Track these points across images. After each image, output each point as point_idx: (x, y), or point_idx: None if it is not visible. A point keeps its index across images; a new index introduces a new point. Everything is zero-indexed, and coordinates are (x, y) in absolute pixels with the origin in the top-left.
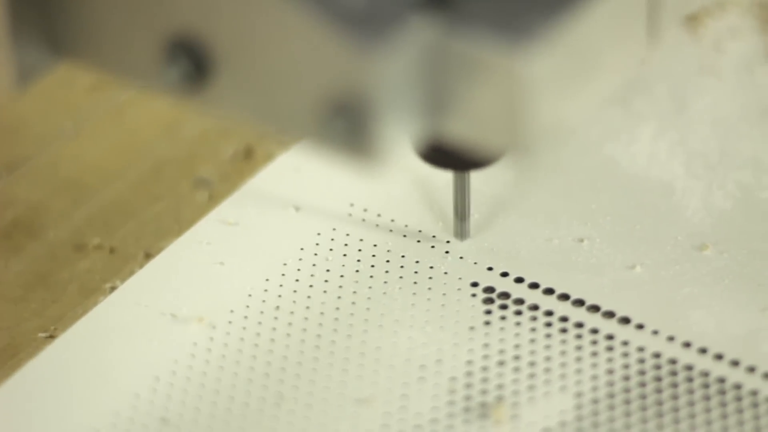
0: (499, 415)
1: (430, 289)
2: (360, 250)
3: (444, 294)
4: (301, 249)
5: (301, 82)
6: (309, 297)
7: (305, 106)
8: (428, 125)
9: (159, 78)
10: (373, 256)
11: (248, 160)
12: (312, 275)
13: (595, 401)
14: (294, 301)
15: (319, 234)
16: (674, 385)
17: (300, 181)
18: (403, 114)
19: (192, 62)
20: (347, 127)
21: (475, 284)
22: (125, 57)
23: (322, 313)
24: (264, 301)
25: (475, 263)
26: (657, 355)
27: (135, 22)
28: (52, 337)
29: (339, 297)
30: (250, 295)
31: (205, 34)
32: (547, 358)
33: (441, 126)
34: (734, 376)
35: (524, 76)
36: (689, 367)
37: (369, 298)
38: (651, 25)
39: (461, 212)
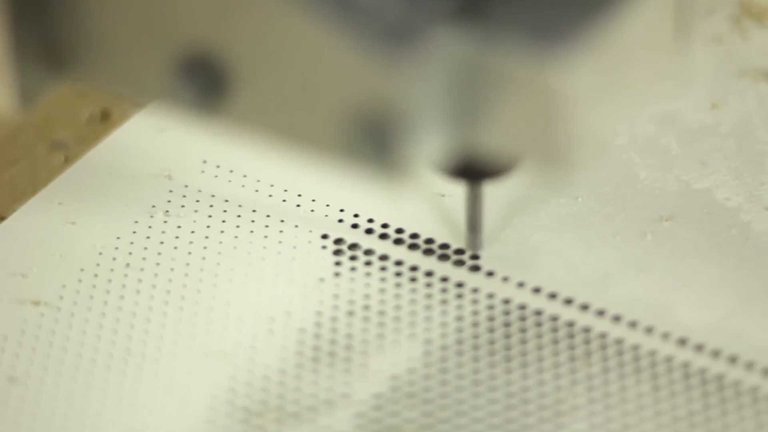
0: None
1: (280, 242)
2: (211, 206)
3: (294, 247)
4: (153, 206)
5: (326, 97)
6: (160, 254)
7: (330, 122)
8: (456, 138)
9: (175, 96)
10: (224, 211)
11: (105, 122)
12: (163, 232)
13: (444, 348)
14: (144, 258)
15: (171, 191)
16: (523, 330)
17: (154, 140)
18: (432, 128)
19: (210, 79)
20: (374, 143)
21: (325, 236)
22: (137, 75)
23: (172, 269)
24: (114, 258)
25: (326, 216)
26: (506, 302)
27: (147, 39)
28: None
29: (189, 253)
30: (100, 253)
31: (223, 49)
32: (397, 307)
33: (470, 139)
34: (583, 319)
35: (557, 88)
36: (538, 312)
37: (219, 253)
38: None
39: (473, 224)
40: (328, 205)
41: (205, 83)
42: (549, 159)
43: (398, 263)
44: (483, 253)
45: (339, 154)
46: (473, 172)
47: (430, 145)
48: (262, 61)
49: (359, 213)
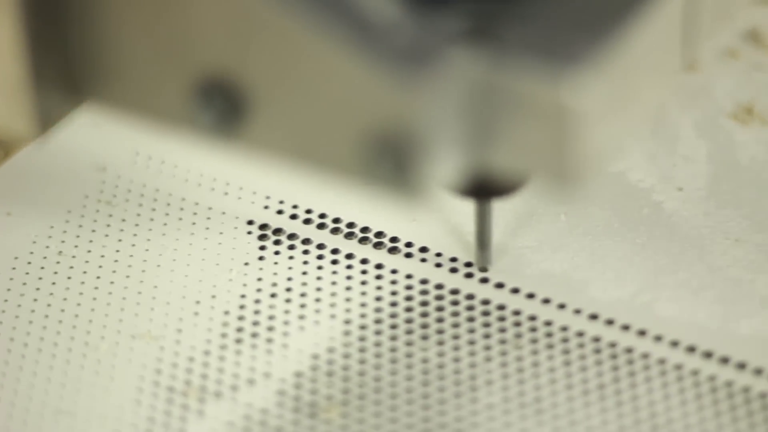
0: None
1: (207, 229)
2: (142, 195)
3: (221, 233)
4: (86, 197)
5: (343, 120)
6: (91, 242)
7: (347, 144)
8: (471, 158)
9: (193, 120)
10: (155, 200)
11: None
12: (95, 221)
13: (363, 327)
14: (76, 246)
15: (104, 182)
16: (440, 309)
17: (89, 134)
18: (447, 148)
19: (228, 103)
20: (391, 163)
21: (251, 222)
22: (155, 100)
23: (102, 256)
24: (48, 246)
25: (253, 203)
26: (424, 282)
27: (165, 64)
28: None
29: (120, 240)
30: (34, 242)
31: (241, 73)
32: (318, 289)
33: (483, 157)
34: (498, 297)
35: (570, 106)
36: (455, 291)
37: (149, 240)
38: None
39: (483, 241)
40: (254, 193)
41: (222, 107)
42: (561, 176)
43: (320, 246)
44: (400, 236)
45: (354, 174)
46: (484, 189)
47: (442, 164)
48: (278, 84)
49: (284, 200)
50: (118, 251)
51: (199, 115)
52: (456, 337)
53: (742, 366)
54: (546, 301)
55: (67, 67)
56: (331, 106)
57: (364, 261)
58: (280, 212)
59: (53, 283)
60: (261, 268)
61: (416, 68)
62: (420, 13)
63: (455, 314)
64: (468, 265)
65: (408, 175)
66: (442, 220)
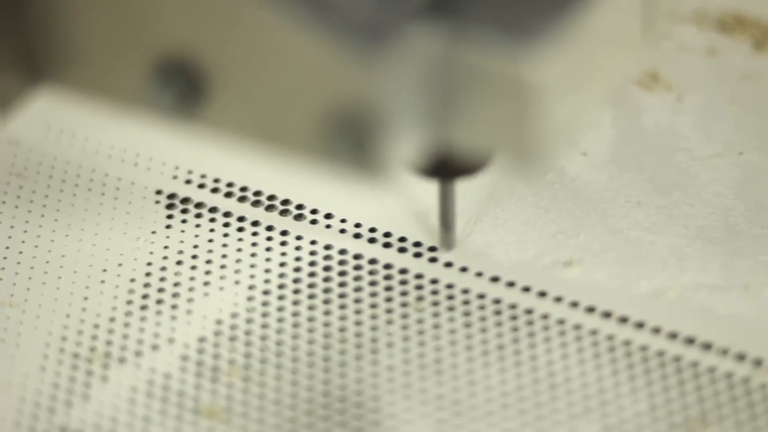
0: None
1: (116, 199)
2: (53, 167)
3: (129, 202)
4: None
5: (302, 98)
6: (1, 213)
7: (307, 123)
8: (432, 135)
9: (152, 101)
10: (65, 172)
11: None
12: (5, 193)
13: (267, 293)
14: None
15: (15, 155)
16: (342, 274)
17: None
18: (408, 125)
19: (186, 83)
20: (351, 142)
21: (159, 192)
22: (114, 81)
23: (12, 227)
24: None
25: (162, 173)
26: (328, 247)
27: (123, 44)
28: None
29: (29, 211)
30: None
31: (199, 53)
32: (224, 256)
33: (445, 135)
34: (401, 262)
35: (530, 82)
36: (358, 256)
37: (58, 210)
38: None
39: (446, 222)
40: (164, 164)
41: (182, 88)
42: (522, 153)
43: (227, 215)
44: (305, 202)
45: (314, 154)
46: (447, 169)
47: (403, 143)
48: (237, 63)
49: (193, 170)
50: (27, 222)
51: (158, 96)
52: (358, 301)
53: (640, 325)
54: (448, 264)
55: (25, 47)
56: (291, 84)
57: (269, 228)
58: (188, 182)
59: None
60: (168, 237)
61: (376, 45)
62: None
63: (358, 279)
64: (372, 230)
65: (368, 154)
66: (348, 187)
